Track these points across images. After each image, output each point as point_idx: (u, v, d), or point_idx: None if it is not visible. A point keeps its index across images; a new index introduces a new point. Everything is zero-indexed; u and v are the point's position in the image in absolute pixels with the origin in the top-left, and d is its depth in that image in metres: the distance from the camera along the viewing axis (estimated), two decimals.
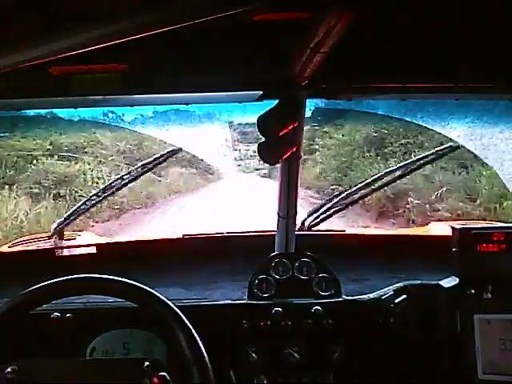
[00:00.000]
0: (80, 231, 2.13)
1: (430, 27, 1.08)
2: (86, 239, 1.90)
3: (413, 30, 1.09)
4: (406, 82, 1.24)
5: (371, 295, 1.43)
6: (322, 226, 1.88)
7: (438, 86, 1.29)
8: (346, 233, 1.88)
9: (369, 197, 2.00)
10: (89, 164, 9.04)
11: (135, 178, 1.84)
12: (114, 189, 1.86)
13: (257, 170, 13.07)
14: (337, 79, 1.23)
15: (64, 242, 1.82)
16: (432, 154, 1.84)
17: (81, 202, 1.85)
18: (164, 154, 1.84)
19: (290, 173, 1.51)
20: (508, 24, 0.80)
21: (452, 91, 1.30)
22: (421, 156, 1.87)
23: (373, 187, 1.87)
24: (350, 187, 1.92)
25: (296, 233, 1.60)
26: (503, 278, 1.30)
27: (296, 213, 1.58)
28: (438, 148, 1.85)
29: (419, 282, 1.41)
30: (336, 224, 2.06)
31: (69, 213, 1.84)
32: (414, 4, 0.92)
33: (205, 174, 12.92)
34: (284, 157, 1.29)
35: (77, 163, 8.93)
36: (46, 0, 0.83)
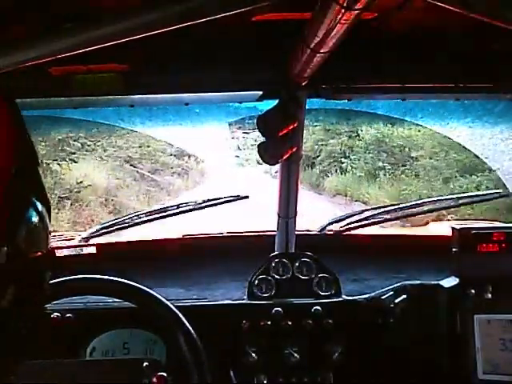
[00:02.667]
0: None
1: (430, 27, 1.08)
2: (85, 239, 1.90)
3: (413, 30, 1.09)
4: (406, 82, 1.24)
5: (371, 295, 1.43)
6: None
7: (438, 86, 1.29)
8: (346, 233, 1.87)
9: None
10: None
11: (192, 210, 1.82)
12: (165, 213, 1.82)
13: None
14: (337, 79, 1.23)
15: (64, 242, 1.82)
16: (484, 195, 2.00)
17: (127, 216, 1.81)
18: (230, 198, 1.85)
19: (290, 173, 1.51)
20: (508, 24, 0.80)
21: (452, 91, 1.29)
22: (473, 194, 2.02)
23: (418, 210, 1.91)
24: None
25: (296, 233, 1.60)
26: (503, 278, 1.30)
27: (296, 213, 1.58)
28: (490, 192, 1.99)
29: (419, 282, 1.41)
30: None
31: (111, 223, 1.79)
32: (414, 4, 0.92)
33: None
34: (284, 157, 1.29)
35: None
36: (46, 0, 0.83)
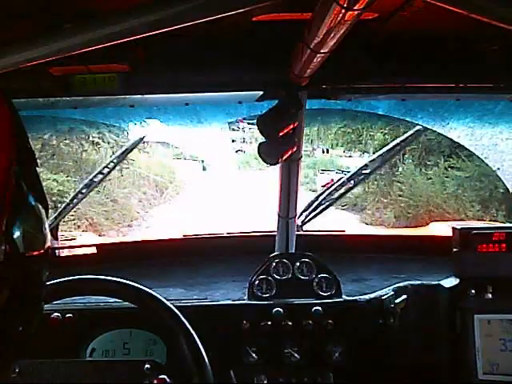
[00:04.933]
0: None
1: (430, 27, 1.08)
2: (86, 239, 1.91)
3: (413, 30, 1.09)
4: (406, 82, 1.24)
5: (371, 295, 1.43)
6: (318, 226, 1.89)
7: (438, 86, 1.29)
8: (346, 233, 1.88)
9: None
10: None
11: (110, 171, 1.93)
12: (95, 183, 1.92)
13: None
14: (337, 79, 1.23)
15: (64, 242, 1.82)
16: (403, 140, 1.87)
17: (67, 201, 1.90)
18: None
19: (290, 173, 1.51)
20: (508, 24, 0.80)
21: (452, 91, 1.29)
22: (393, 144, 1.88)
23: (355, 180, 1.89)
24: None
25: (296, 233, 1.60)
26: (503, 278, 1.30)
27: (296, 213, 1.58)
28: (407, 134, 1.89)
29: (419, 282, 1.41)
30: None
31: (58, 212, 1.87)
32: (414, 4, 0.92)
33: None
34: (284, 157, 1.29)
35: None
36: (46, 0, 0.83)
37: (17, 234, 0.45)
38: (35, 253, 0.49)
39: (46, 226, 0.52)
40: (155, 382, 1.00)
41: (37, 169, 0.53)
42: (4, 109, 0.45)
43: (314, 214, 1.85)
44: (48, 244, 0.52)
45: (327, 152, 16.44)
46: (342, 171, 12.40)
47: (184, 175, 14.37)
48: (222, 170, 15.31)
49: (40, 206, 0.51)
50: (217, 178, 13.88)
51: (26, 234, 0.46)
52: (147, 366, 1.03)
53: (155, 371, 1.02)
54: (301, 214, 1.87)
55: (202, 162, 16.65)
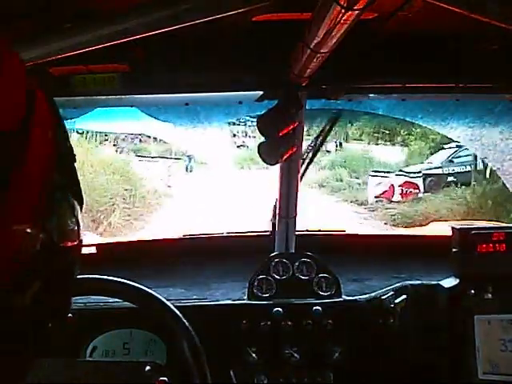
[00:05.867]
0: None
1: (430, 27, 1.08)
2: (85, 239, 1.90)
3: (413, 30, 1.09)
4: (406, 82, 1.24)
5: (371, 295, 1.43)
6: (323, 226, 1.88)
7: (437, 86, 1.29)
8: (345, 233, 1.88)
9: None
10: None
11: None
12: None
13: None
14: (337, 79, 1.23)
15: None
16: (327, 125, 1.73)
17: None
18: None
19: (290, 173, 1.51)
20: (508, 24, 0.80)
21: (452, 91, 1.30)
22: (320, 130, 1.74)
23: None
24: None
25: (296, 233, 1.60)
26: (503, 278, 1.30)
27: (296, 213, 1.58)
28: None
29: (419, 282, 1.41)
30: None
31: None
32: (414, 4, 0.92)
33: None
34: (284, 157, 1.29)
35: None
36: (46, 0, 0.83)
37: (52, 224, 0.47)
38: (69, 244, 0.51)
39: (80, 220, 0.54)
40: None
41: (75, 165, 0.55)
42: (45, 106, 0.47)
43: None
44: (81, 237, 0.54)
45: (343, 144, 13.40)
46: (408, 173, 9.35)
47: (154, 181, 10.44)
48: (215, 171, 12.51)
49: (75, 202, 0.53)
50: (207, 181, 11.05)
51: (61, 225, 0.48)
52: (148, 367, 1.03)
53: (156, 373, 1.02)
54: None
55: (189, 159, 13.69)
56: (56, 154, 0.46)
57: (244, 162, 14.42)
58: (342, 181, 10.05)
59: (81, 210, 0.54)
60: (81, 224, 0.53)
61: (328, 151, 12.18)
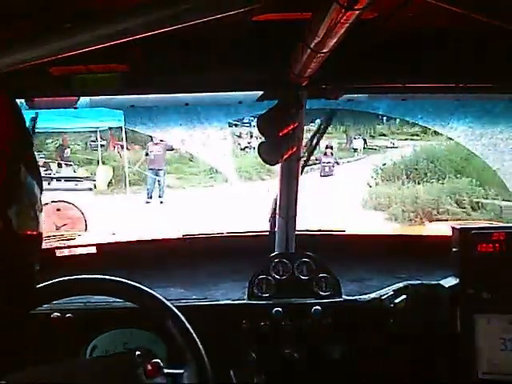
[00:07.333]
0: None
1: (430, 27, 1.08)
2: (85, 239, 1.91)
3: (413, 30, 1.09)
4: (406, 82, 1.24)
5: (371, 295, 1.43)
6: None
7: (437, 86, 1.29)
8: (345, 233, 1.88)
9: None
10: None
11: None
12: None
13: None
14: (337, 79, 1.23)
15: (64, 241, 1.82)
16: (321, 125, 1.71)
17: None
18: None
19: (290, 173, 1.51)
20: (508, 24, 0.80)
21: (452, 91, 1.30)
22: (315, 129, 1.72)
23: None
24: None
25: (296, 233, 1.60)
26: (503, 278, 1.30)
27: (296, 213, 1.58)
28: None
29: (419, 282, 1.41)
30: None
31: None
32: (414, 4, 0.92)
33: None
34: (284, 157, 1.29)
35: None
36: (46, 0, 0.83)
37: (11, 211, 0.46)
38: (28, 232, 0.50)
39: (41, 207, 0.53)
40: (149, 367, 0.99)
41: (34, 152, 0.54)
42: (1, 98, 0.47)
43: None
44: (41, 228, 0.53)
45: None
46: None
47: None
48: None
49: (36, 187, 0.52)
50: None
51: (20, 211, 0.47)
52: (138, 352, 1.02)
53: (147, 357, 1.01)
54: None
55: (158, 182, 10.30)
56: (13, 142, 0.45)
57: (252, 169, 12.06)
58: None
59: (40, 196, 0.53)
60: (41, 210, 0.52)
61: None
